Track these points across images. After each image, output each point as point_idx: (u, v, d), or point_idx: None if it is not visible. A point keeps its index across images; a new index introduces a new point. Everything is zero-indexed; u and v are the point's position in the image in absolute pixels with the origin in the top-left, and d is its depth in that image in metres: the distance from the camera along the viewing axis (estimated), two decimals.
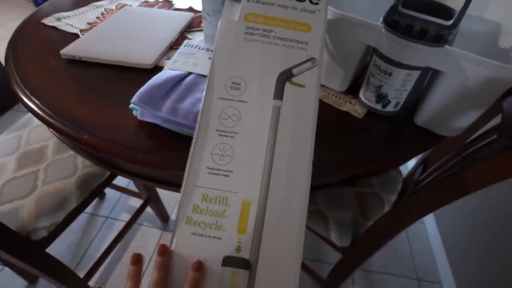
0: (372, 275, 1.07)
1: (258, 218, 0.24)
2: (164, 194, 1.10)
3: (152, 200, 1.04)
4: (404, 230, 1.26)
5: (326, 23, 0.30)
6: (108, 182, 0.74)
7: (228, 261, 0.23)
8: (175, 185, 0.43)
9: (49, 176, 0.65)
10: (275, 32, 0.28)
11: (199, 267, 0.22)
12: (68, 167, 0.68)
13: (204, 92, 0.26)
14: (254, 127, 0.26)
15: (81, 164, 0.69)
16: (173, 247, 0.23)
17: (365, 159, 0.38)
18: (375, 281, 1.05)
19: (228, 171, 0.25)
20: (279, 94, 0.27)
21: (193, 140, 0.25)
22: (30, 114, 0.80)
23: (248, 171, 0.25)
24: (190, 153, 0.25)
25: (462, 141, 0.57)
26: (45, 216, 0.61)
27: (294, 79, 0.27)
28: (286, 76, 0.27)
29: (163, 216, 1.14)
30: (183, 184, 0.25)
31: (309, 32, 0.29)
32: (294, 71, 0.27)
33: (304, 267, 0.87)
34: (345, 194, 0.67)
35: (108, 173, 0.74)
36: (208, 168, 0.25)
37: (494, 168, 0.32)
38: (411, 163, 1.31)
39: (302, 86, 0.27)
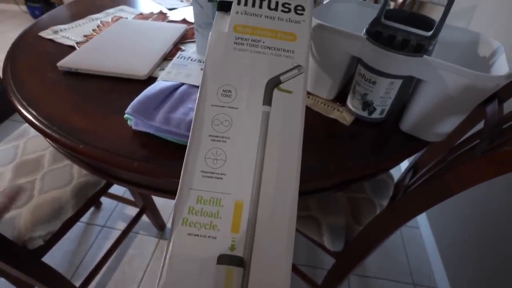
0: (367, 280, 1.07)
1: (250, 217, 0.25)
2: (160, 202, 1.11)
3: (148, 208, 1.04)
4: (399, 234, 1.26)
5: (310, 32, 0.31)
6: (104, 191, 0.75)
7: (223, 259, 0.24)
8: (170, 193, 0.44)
9: (45, 185, 0.66)
10: (263, 42, 0.30)
11: None
12: (64, 176, 0.68)
13: (197, 100, 0.28)
14: (245, 131, 0.27)
15: (77, 173, 0.70)
16: (170, 247, 0.24)
17: (353, 164, 0.40)
18: (370, 286, 1.05)
19: (221, 174, 0.26)
20: (268, 100, 0.28)
21: (188, 146, 0.27)
22: (26, 124, 0.81)
23: (240, 173, 0.26)
24: (185, 157, 0.26)
25: (450, 145, 0.59)
26: (41, 225, 0.62)
27: (282, 86, 0.29)
28: (274, 83, 0.29)
29: (159, 224, 1.14)
30: (179, 187, 0.26)
31: (295, 41, 0.30)
32: (282, 78, 0.29)
33: (299, 273, 0.88)
34: (338, 199, 0.68)
35: (104, 182, 0.74)
36: (202, 171, 0.26)
37: (473, 171, 0.34)
38: (404, 167, 1.32)
39: (289, 92, 0.29)
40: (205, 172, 0.26)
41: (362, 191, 0.71)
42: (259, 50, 0.30)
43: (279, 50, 0.30)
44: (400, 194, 0.66)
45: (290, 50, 0.30)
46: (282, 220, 0.25)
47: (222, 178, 0.26)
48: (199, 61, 0.49)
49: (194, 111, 0.27)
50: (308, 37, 0.31)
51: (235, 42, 0.30)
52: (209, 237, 0.24)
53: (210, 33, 0.31)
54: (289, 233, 0.25)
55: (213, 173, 0.26)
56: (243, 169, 0.26)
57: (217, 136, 0.27)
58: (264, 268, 0.24)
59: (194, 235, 0.24)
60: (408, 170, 0.70)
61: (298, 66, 0.29)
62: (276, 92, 0.28)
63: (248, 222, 0.25)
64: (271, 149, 0.27)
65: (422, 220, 1.24)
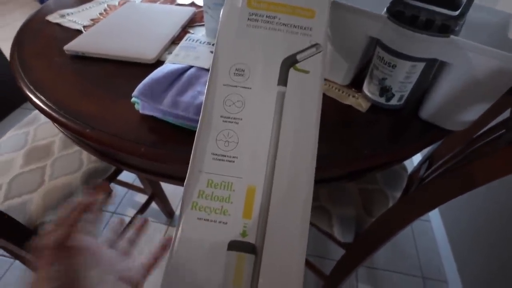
0: (376, 272, 1.06)
1: (263, 203, 0.24)
2: (168, 190, 1.11)
3: (157, 195, 1.05)
4: (409, 227, 1.25)
5: (330, 8, 0.29)
6: (113, 177, 0.75)
7: (234, 245, 0.23)
8: (177, 179, 0.43)
9: (55, 171, 0.66)
10: (279, 18, 0.28)
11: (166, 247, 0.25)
12: (74, 162, 0.69)
13: (208, 79, 0.26)
14: (258, 113, 0.26)
15: (87, 160, 0.70)
16: (179, 232, 0.24)
17: (368, 153, 0.38)
18: (379, 278, 1.04)
19: (233, 157, 0.25)
20: (283, 80, 0.27)
21: (198, 127, 0.26)
22: (36, 111, 0.81)
23: (253, 157, 0.25)
24: (195, 139, 0.25)
25: (468, 136, 0.56)
26: (52, 210, 0.62)
27: (298, 65, 0.27)
28: (290, 62, 0.27)
29: (168, 212, 1.15)
30: (189, 170, 0.25)
31: (313, 17, 0.28)
32: (298, 57, 0.27)
33: (308, 263, 0.87)
34: (349, 190, 0.67)
35: (113, 168, 0.74)
36: (213, 154, 0.25)
37: (500, 162, 0.31)
38: (417, 160, 1.29)
39: (306, 72, 0.27)
40: (216, 154, 0.25)
41: (374, 182, 0.69)
42: (274, 27, 0.28)
43: (295, 27, 0.28)
44: (414, 186, 0.64)
45: (308, 28, 0.28)
46: (296, 207, 0.24)
47: (234, 162, 0.25)
48: (208, 43, 0.47)
49: (205, 91, 0.26)
50: (327, 13, 0.29)
51: (248, 19, 0.28)
52: (219, 222, 0.23)
53: (222, 9, 0.29)
54: (303, 220, 0.24)
55: (225, 156, 0.25)
56: (256, 152, 0.25)
57: (229, 117, 0.26)
58: (277, 256, 0.23)
59: (204, 219, 0.24)
60: (423, 161, 0.67)
61: (316, 45, 0.27)
62: (292, 72, 0.27)
63: (260, 207, 0.23)
64: (286, 131, 0.25)
65: (433, 213, 1.21)
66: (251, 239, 0.23)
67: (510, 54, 0.30)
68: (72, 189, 0.65)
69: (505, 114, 0.50)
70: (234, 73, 0.27)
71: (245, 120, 0.26)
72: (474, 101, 0.36)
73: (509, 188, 0.80)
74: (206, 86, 0.26)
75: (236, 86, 0.26)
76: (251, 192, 0.24)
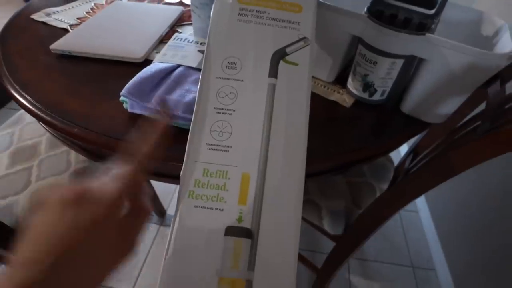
0: (367, 263, 1.09)
1: (258, 189, 0.25)
2: (159, 189, 1.11)
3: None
4: (398, 219, 1.28)
5: (316, 3, 0.30)
6: None
7: (230, 231, 0.24)
8: (168, 176, 0.44)
9: (43, 172, 0.66)
10: (268, 13, 0.29)
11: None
12: (62, 162, 0.68)
13: (201, 72, 0.27)
14: (250, 104, 0.27)
15: (74, 160, 0.69)
16: (177, 220, 0.24)
17: (353, 146, 0.39)
18: (370, 269, 1.07)
19: (227, 147, 0.26)
20: (273, 72, 0.28)
21: (192, 119, 0.26)
22: (21, 111, 0.80)
23: (247, 146, 0.26)
24: (190, 130, 0.26)
25: (450, 128, 0.58)
26: None
27: (287, 58, 0.28)
28: (280, 55, 0.28)
29: (160, 211, 1.15)
30: (184, 160, 0.26)
31: (300, 12, 0.30)
32: (288, 50, 0.29)
33: (299, 257, 0.89)
34: (337, 183, 0.69)
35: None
36: (208, 144, 0.26)
37: (476, 150, 0.34)
38: (404, 151, 1.32)
39: (295, 64, 0.28)
40: (211, 145, 0.26)
41: (361, 175, 0.71)
42: (264, 22, 0.29)
43: (284, 21, 0.29)
44: (400, 177, 0.66)
45: (296, 22, 0.29)
46: (289, 192, 0.25)
47: (228, 151, 0.26)
48: (196, 42, 0.48)
49: (199, 84, 0.27)
50: (314, 8, 0.30)
51: (239, 14, 0.29)
52: (216, 209, 0.24)
53: (213, 4, 0.30)
54: (296, 205, 0.25)
55: (219, 145, 0.26)
56: (250, 141, 0.26)
57: (222, 109, 0.27)
58: (272, 240, 0.24)
59: (201, 207, 0.24)
60: (408, 153, 0.70)
61: (304, 38, 0.29)
62: (282, 64, 0.28)
63: (255, 194, 0.25)
64: (278, 121, 0.26)
65: (421, 204, 1.25)
66: (247, 224, 0.24)
67: (481, 50, 0.32)
68: None
69: (482, 106, 0.52)
70: (227, 66, 0.28)
71: (238, 111, 0.27)
72: (450, 95, 0.38)
73: (493, 179, 0.84)
74: (200, 79, 0.27)
75: (228, 79, 0.27)
76: (245, 179, 0.25)
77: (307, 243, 1.12)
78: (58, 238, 0.18)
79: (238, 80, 0.27)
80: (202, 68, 0.27)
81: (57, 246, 0.17)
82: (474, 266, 0.89)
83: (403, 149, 1.46)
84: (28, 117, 0.78)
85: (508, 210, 0.77)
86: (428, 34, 0.34)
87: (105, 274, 0.20)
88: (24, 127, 0.75)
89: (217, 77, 0.27)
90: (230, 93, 0.27)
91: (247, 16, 0.29)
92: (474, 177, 0.92)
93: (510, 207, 0.77)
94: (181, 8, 0.63)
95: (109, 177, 0.21)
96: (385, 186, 0.71)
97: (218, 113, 0.26)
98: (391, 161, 0.77)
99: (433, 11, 0.36)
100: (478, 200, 0.90)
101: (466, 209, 0.95)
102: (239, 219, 0.24)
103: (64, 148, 0.71)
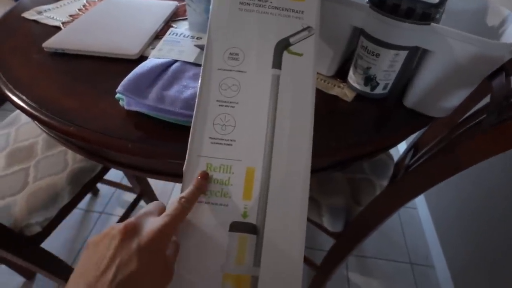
0: (366, 260, 1.08)
1: (263, 184, 0.24)
2: (157, 187, 1.10)
3: (145, 194, 1.03)
4: (397, 216, 1.27)
5: None
6: (100, 177, 0.74)
7: (235, 226, 0.23)
8: (166, 174, 0.43)
9: (40, 172, 0.65)
10: (270, 2, 0.28)
11: (206, 176, 0.24)
12: (59, 162, 0.67)
13: (202, 64, 0.26)
14: (254, 96, 0.26)
15: (72, 159, 0.68)
16: None
17: (355, 142, 0.39)
18: (369, 266, 1.07)
19: (231, 140, 0.25)
20: (277, 63, 0.27)
21: (194, 112, 0.26)
22: (17, 112, 0.78)
23: (251, 139, 0.25)
24: (192, 124, 0.25)
25: (452, 123, 0.57)
26: (37, 212, 0.61)
27: (291, 48, 0.27)
28: (283, 45, 0.27)
29: None
30: (187, 154, 0.25)
31: (304, 0, 0.29)
32: (292, 40, 0.28)
33: None
34: (337, 180, 0.68)
35: (99, 168, 0.73)
36: (211, 138, 0.25)
37: (483, 144, 0.33)
38: (402, 148, 1.32)
39: (300, 54, 0.27)
40: (214, 138, 0.25)
41: (361, 172, 0.70)
42: (266, 11, 0.28)
43: (287, 10, 0.28)
44: (400, 174, 0.65)
45: (300, 11, 0.28)
46: (295, 186, 0.24)
47: (231, 145, 0.25)
48: (192, 37, 0.47)
49: (200, 76, 0.26)
50: None
51: (240, 2, 0.28)
52: (220, 204, 0.24)
53: None
54: (302, 199, 0.24)
55: (222, 139, 0.25)
56: (254, 135, 0.25)
57: (225, 101, 0.26)
58: (277, 235, 0.23)
59: (205, 202, 0.24)
60: (408, 149, 0.69)
61: (308, 28, 0.28)
62: (285, 54, 0.27)
63: (260, 188, 0.24)
64: (282, 113, 0.26)
65: (420, 201, 1.24)
66: (251, 219, 0.23)
67: (488, 40, 0.31)
68: (57, 190, 0.64)
69: (487, 99, 0.51)
70: (229, 57, 0.27)
71: (241, 104, 0.26)
72: (455, 87, 0.37)
73: (493, 175, 0.83)
74: (201, 71, 0.26)
75: (231, 70, 0.26)
76: (250, 174, 0.24)
77: (306, 240, 1.11)
78: (116, 266, 0.19)
79: (240, 71, 0.26)
80: (203, 60, 0.26)
81: (117, 274, 0.19)
82: (472, 263, 0.89)
83: (401, 145, 1.45)
84: (24, 118, 0.77)
85: (506, 206, 0.77)
86: (433, 24, 0.33)
87: None
88: (20, 128, 0.74)
89: (219, 69, 0.26)
90: (233, 85, 0.26)
91: (249, 4, 0.28)
92: (472, 174, 0.92)
93: (508, 204, 0.76)
94: (175, 3, 0.62)
95: (157, 213, 0.23)
96: (385, 182, 0.70)
97: (221, 106, 0.26)
98: (391, 157, 0.76)
99: (437, 1, 0.35)
100: (476, 196, 0.89)
101: (465, 205, 0.95)
102: (244, 215, 0.24)
103: (61, 148, 0.70)
